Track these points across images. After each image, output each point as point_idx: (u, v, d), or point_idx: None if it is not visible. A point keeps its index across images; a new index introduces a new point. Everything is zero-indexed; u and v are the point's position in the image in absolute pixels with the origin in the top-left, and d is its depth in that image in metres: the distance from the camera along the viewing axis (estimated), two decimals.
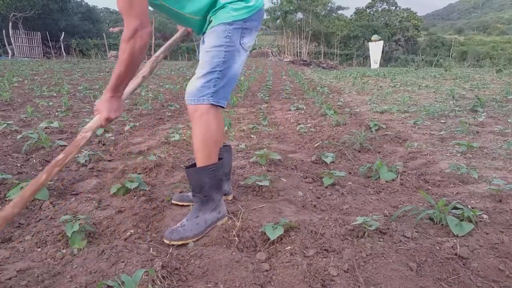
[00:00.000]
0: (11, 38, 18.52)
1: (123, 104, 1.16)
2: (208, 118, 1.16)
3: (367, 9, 36.27)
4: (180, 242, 1.13)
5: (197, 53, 21.26)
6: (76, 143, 1.06)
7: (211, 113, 1.16)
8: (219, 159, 1.23)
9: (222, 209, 1.25)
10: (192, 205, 1.40)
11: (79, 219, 1.15)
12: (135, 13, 0.97)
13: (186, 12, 1.16)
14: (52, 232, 1.16)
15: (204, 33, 1.22)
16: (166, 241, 1.13)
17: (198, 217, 1.19)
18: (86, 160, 1.96)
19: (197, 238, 1.16)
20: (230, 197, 1.48)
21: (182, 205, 1.40)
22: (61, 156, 1.03)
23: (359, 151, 2.31)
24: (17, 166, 1.88)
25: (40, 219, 1.31)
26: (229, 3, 1.15)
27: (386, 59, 26.99)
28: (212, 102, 1.15)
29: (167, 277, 0.96)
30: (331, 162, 2.00)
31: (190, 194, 1.44)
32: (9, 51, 17.96)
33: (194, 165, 1.22)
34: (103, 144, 2.40)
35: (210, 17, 1.18)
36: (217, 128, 1.18)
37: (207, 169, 1.18)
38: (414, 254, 1.05)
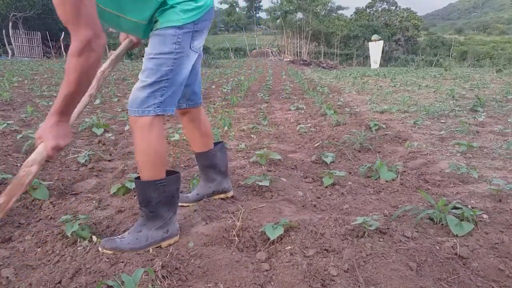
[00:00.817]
0: (11, 38, 18.52)
1: (71, 129, 1.01)
2: (151, 130, 1.06)
3: (367, 9, 36.27)
4: (111, 252, 1.04)
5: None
6: (20, 181, 0.89)
7: (154, 124, 1.06)
8: (174, 172, 1.15)
9: (172, 229, 1.13)
10: (192, 205, 1.40)
11: (79, 219, 1.15)
12: (85, 21, 0.83)
13: (132, 17, 1.03)
14: (52, 232, 1.16)
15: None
16: (99, 248, 1.06)
17: (140, 232, 1.09)
18: (86, 160, 1.96)
19: (132, 252, 1.05)
20: (230, 194, 1.48)
21: (182, 206, 1.40)
22: (1, 199, 0.87)
23: (359, 151, 2.31)
24: (17, 166, 1.88)
25: (40, 219, 1.31)
26: (179, 3, 1.04)
27: (386, 59, 26.99)
28: (159, 113, 1.06)
29: (167, 277, 0.96)
30: (331, 162, 2.00)
31: (188, 194, 1.44)
32: (9, 51, 17.95)
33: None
34: (103, 144, 2.40)
35: (155, 16, 1.06)
36: (160, 139, 1.09)
37: (154, 183, 1.08)
38: (414, 254, 1.05)
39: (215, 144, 1.43)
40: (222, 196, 1.47)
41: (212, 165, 1.41)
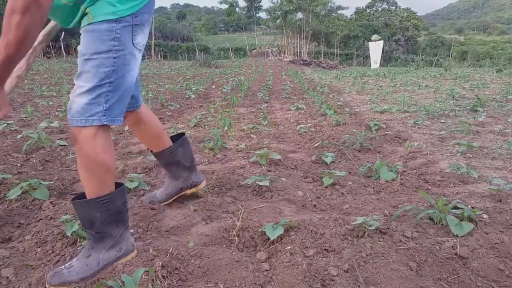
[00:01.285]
0: None
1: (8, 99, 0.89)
2: (96, 142, 0.92)
3: (367, 9, 36.28)
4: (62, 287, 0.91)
5: (197, 53, 21.22)
6: None
7: (100, 135, 0.92)
8: (119, 184, 1.02)
9: (126, 245, 1.01)
10: (192, 205, 1.40)
11: (79, 219, 1.15)
12: None
13: None
14: (52, 232, 1.16)
15: (71, 28, 0.95)
16: (47, 286, 0.92)
17: (90, 257, 0.96)
18: None
19: (83, 281, 0.94)
20: (201, 186, 1.43)
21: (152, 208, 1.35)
22: None
23: (359, 151, 2.31)
24: (17, 165, 1.88)
25: (40, 219, 1.31)
26: None
27: (386, 58, 26.99)
28: (105, 122, 0.92)
29: (167, 277, 0.96)
30: (331, 162, 2.00)
31: (157, 193, 1.40)
32: None
33: (83, 195, 0.98)
34: None
35: (86, 7, 0.90)
36: (107, 151, 0.95)
37: (96, 201, 0.94)
38: (414, 254, 1.05)
39: (176, 138, 1.34)
40: (193, 190, 1.40)
41: (174, 162, 1.33)
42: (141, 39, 0.97)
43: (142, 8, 0.94)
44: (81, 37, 0.92)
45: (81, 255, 0.98)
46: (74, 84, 0.92)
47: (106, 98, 0.91)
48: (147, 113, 1.25)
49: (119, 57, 0.91)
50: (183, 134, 1.38)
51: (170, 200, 1.40)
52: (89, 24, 0.90)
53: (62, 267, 0.96)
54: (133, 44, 0.94)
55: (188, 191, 1.41)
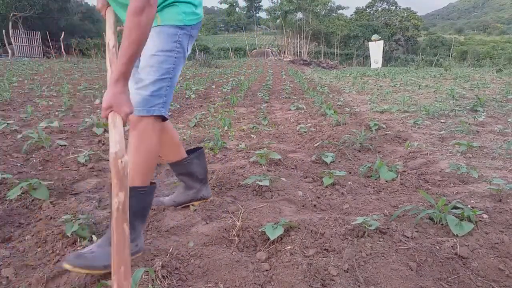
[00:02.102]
0: (11, 38, 18.51)
1: None
2: (154, 132, 1.02)
3: (367, 9, 36.27)
4: (85, 271, 0.93)
5: (197, 53, 21.23)
6: (122, 173, 0.73)
7: (156, 126, 1.03)
8: (152, 183, 1.08)
9: (140, 243, 1.05)
10: (193, 205, 1.40)
11: (79, 219, 1.15)
12: None
13: None
14: (52, 231, 1.16)
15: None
16: (68, 266, 0.92)
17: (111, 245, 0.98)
18: (86, 160, 1.96)
19: (106, 271, 0.92)
20: (208, 199, 1.44)
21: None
22: (121, 196, 0.72)
23: (359, 151, 2.31)
24: (17, 165, 1.88)
25: (40, 219, 1.31)
26: (181, 2, 1.03)
27: (386, 58, 26.98)
28: (164, 113, 1.03)
29: (167, 276, 0.96)
30: (331, 162, 2.00)
31: (164, 200, 1.39)
32: (9, 51, 17.95)
33: None
34: (104, 144, 2.40)
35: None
36: (159, 142, 1.05)
37: (136, 189, 0.99)
38: (414, 253, 1.05)
39: (192, 151, 1.37)
40: (200, 202, 1.42)
41: (188, 174, 1.35)
42: (190, 48, 1.11)
43: (196, 24, 1.10)
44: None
45: (103, 243, 1.00)
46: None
47: (166, 92, 1.03)
48: (168, 122, 1.26)
49: (178, 58, 1.05)
50: (200, 148, 1.41)
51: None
52: (157, 25, 1.02)
53: (84, 250, 0.98)
54: (186, 49, 1.08)
55: (196, 203, 1.42)
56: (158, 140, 1.05)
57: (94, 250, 0.98)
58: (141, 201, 1.02)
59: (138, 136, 1.02)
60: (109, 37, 0.97)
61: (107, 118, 0.84)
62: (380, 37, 21.43)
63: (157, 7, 0.99)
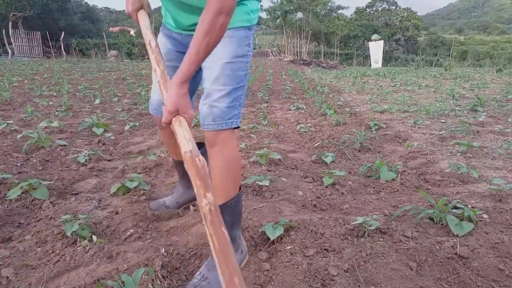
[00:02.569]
0: (11, 38, 18.51)
1: None
2: (234, 143, 0.95)
3: (367, 9, 36.24)
4: None
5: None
6: (203, 176, 0.66)
7: (235, 136, 0.95)
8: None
9: (244, 247, 1.03)
10: (194, 206, 1.40)
11: (79, 219, 1.15)
12: None
13: None
14: (52, 231, 1.16)
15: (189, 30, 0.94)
16: None
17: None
18: (86, 160, 1.96)
19: None
20: None
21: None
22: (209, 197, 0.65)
23: (359, 151, 2.30)
24: (17, 165, 1.88)
25: (40, 219, 1.31)
26: (248, 0, 0.94)
27: (386, 58, 26.96)
28: (239, 124, 0.95)
29: (167, 277, 0.96)
30: (331, 162, 2.00)
31: (167, 202, 1.32)
32: (9, 51, 17.95)
33: None
34: (103, 144, 2.40)
35: None
36: (238, 149, 1.00)
37: (227, 206, 0.95)
38: (414, 253, 1.05)
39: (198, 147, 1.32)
40: None
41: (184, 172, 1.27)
42: None
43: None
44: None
45: (210, 265, 0.94)
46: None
47: (240, 102, 0.94)
48: None
49: (249, 62, 0.97)
50: (203, 144, 1.33)
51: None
52: (227, 30, 0.91)
53: (197, 280, 0.92)
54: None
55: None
56: (238, 147, 0.99)
57: (206, 275, 0.92)
58: (234, 212, 0.98)
59: (220, 151, 0.94)
60: (149, 37, 0.90)
61: (169, 123, 0.74)
62: (380, 37, 21.41)
63: None
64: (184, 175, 1.32)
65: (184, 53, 0.90)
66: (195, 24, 0.83)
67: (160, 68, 0.83)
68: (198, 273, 0.95)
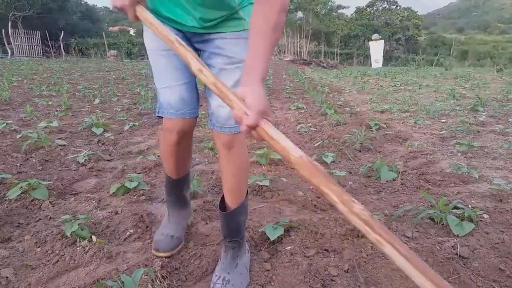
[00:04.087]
0: (11, 38, 18.51)
1: None
2: (245, 144, 0.95)
3: (368, 8, 36.20)
4: None
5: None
6: (325, 180, 0.56)
7: (245, 138, 0.95)
8: None
9: (246, 245, 1.04)
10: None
11: (78, 219, 1.15)
12: None
13: None
14: (52, 232, 1.16)
15: (207, 31, 0.86)
16: None
17: (238, 266, 0.95)
18: (85, 160, 1.95)
19: None
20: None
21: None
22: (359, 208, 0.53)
23: (360, 151, 2.30)
24: (17, 165, 1.88)
25: (40, 219, 1.30)
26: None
27: (387, 58, 26.93)
28: None
29: (166, 277, 0.95)
30: (331, 162, 2.00)
31: (171, 240, 1.09)
32: (9, 51, 17.94)
33: (222, 206, 0.98)
34: (103, 144, 2.39)
35: (238, 9, 0.86)
36: None
37: (244, 205, 0.97)
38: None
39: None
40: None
41: (189, 185, 1.19)
42: None
43: None
44: (231, 42, 0.87)
45: (228, 267, 0.94)
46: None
47: None
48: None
49: None
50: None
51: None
52: (244, 30, 0.88)
53: (220, 284, 0.91)
54: None
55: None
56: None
57: (228, 278, 0.92)
58: (247, 210, 1.00)
59: (237, 153, 0.93)
60: (170, 32, 0.76)
61: (255, 126, 0.63)
62: (380, 37, 21.39)
63: (240, 7, 0.86)
64: (183, 195, 1.16)
65: (187, 38, 0.89)
66: (211, 20, 0.81)
67: (200, 62, 0.70)
68: (216, 277, 0.94)
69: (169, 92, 0.93)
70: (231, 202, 0.96)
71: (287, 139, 0.61)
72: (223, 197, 0.99)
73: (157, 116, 0.97)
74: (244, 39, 0.86)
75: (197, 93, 0.98)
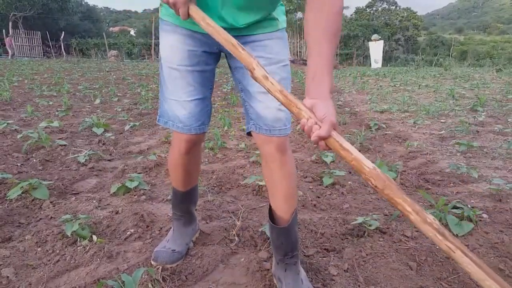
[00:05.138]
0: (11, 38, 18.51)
1: None
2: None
3: (367, 9, 36.24)
4: None
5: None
6: (398, 191, 0.55)
7: None
8: None
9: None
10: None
11: (79, 219, 1.15)
12: None
13: None
14: (52, 231, 1.16)
15: (245, 30, 0.81)
16: None
17: (303, 282, 0.89)
18: (86, 160, 1.96)
19: None
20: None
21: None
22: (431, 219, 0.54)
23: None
24: (17, 165, 1.88)
25: (40, 219, 1.31)
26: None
27: (386, 58, 26.94)
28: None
29: (167, 277, 0.96)
30: (331, 162, 2.00)
31: (175, 253, 1.03)
32: (9, 51, 17.95)
33: (273, 219, 0.90)
34: (103, 144, 2.40)
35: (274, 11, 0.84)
36: None
37: (296, 211, 0.90)
38: (414, 253, 1.05)
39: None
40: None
41: (196, 200, 1.14)
42: None
43: None
44: (267, 42, 0.84)
45: (298, 282, 0.89)
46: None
47: None
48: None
49: None
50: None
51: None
52: (278, 30, 0.86)
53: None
54: None
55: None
56: None
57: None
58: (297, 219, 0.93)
59: (291, 157, 0.88)
60: (231, 36, 0.69)
61: (327, 137, 0.59)
62: (380, 37, 21.39)
63: (279, 4, 0.84)
64: (190, 211, 1.11)
65: (209, 52, 0.85)
66: (248, 24, 0.78)
67: (265, 69, 0.66)
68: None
69: (178, 106, 0.89)
70: (286, 212, 0.88)
71: (357, 150, 0.60)
72: (270, 210, 0.91)
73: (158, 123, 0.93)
74: (279, 39, 0.85)
75: (209, 109, 0.94)
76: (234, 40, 0.68)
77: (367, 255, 1.05)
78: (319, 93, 0.65)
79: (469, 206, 1.31)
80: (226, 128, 2.99)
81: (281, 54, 0.85)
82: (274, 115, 0.84)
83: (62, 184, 1.62)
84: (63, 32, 19.51)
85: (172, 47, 0.86)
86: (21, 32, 19.21)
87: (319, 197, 1.54)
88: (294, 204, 0.90)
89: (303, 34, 0.70)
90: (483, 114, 3.47)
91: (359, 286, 0.94)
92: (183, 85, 0.87)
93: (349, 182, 1.69)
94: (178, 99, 0.88)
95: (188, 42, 0.85)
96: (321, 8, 0.68)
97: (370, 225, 1.13)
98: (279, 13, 0.86)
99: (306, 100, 0.65)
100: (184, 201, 1.07)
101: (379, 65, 19.41)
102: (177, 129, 0.91)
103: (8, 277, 0.97)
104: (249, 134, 0.90)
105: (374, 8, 36.17)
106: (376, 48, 19.93)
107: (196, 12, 0.72)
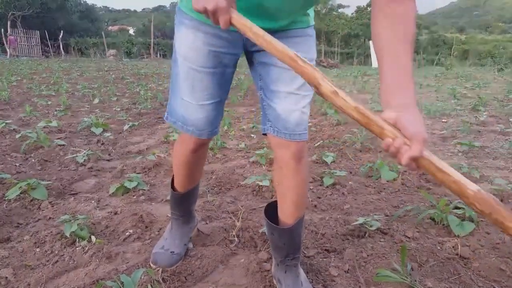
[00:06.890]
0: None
1: None
2: None
3: (368, 8, 36.10)
4: None
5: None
6: (507, 210, 0.50)
7: None
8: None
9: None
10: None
11: (77, 219, 1.14)
12: None
13: None
14: (51, 232, 1.16)
15: (284, 28, 0.77)
16: None
17: (303, 285, 0.89)
18: (84, 160, 1.95)
19: None
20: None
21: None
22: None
23: (360, 151, 2.30)
24: (16, 165, 1.87)
25: (39, 219, 1.30)
26: None
27: None
28: None
29: (167, 277, 0.95)
30: (331, 162, 1.99)
31: (174, 254, 1.01)
32: (8, 50, 17.93)
33: (273, 220, 0.88)
34: (102, 144, 2.39)
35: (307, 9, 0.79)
36: None
37: (303, 220, 0.88)
38: (415, 254, 1.04)
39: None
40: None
41: (195, 200, 1.11)
42: None
43: None
44: (298, 40, 0.79)
45: (297, 284, 0.88)
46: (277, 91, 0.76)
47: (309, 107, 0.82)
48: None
49: None
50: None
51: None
52: (308, 26, 0.82)
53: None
54: None
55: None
56: None
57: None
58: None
59: (306, 164, 0.84)
60: (287, 47, 0.59)
61: (417, 159, 0.51)
62: None
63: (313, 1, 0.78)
64: (190, 211, 1.09)
65: (232, 53, 0.79)
66: (284, 25, 0.73)
67: (333, 83, 0.57)
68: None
69: (193, 109, 0.83)
70: (292, 216, 0.85)
71: (456, 171, 0.52)
72: (275, 210, 0.88)
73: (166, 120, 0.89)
74: (309, 37, 0.81)
75: (222, 113, 0.90)
76: (291, 52, 0.58)
77: (368, 256, 1.04)
78: (404, 106, 0.54)
79: None
80: (226, 128, 2.98)
81: (311, 53, 0.81)
82: (298, 119, 0.78)
83: (61, 184, 1.61)
84: (61, 31, 19.47)
85: (194, 46, 0.79)
86: (19, 32, 19.19)
87: (319, 198, 1.53)
88: (302, 209, 0.86)
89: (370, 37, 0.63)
90: (484, 113, 3.46)
91: (360, 287, 0.93)
92: (202, 87, 0.81)
93: (350, 183, 1.68)
94: (193, 102, 0.82)
95: (211, 42, 0.78)
96: (397, 13, 0.60)
97: (371, 226, 1.12)
98: (311, 13, 0.83)
99: (387, 114, 0.54)
100: (184, 202, 1.05)
101: None
102: (187, 131, 0.86)
103: (6, 277, 0.96)
104: (264, 134, 0.85)
105: None
106: None
107: (238, 21, 0.62)
